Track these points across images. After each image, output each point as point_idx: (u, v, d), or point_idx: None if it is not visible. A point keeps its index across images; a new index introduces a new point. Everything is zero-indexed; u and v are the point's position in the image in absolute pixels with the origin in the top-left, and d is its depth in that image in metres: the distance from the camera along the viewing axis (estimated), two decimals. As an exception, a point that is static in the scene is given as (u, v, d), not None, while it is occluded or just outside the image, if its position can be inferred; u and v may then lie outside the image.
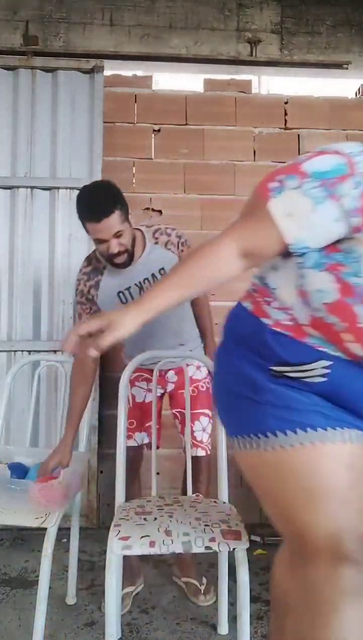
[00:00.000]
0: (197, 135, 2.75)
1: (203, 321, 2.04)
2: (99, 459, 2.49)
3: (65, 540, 2.00)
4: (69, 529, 1.86)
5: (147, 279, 1.79)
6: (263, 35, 3.00)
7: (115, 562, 1.35)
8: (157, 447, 1.80)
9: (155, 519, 1.40)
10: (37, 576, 1.50)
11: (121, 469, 1.61)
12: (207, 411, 1.93)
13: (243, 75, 2.92)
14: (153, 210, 2.73)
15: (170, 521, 1.38)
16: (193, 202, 2.72)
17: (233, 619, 1.67)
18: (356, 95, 2.99)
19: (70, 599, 1.85)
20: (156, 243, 1.81)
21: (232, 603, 1.68)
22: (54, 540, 1.51)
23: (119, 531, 1.33)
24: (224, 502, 1.59)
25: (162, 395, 1.99)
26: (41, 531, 1.52)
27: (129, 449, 1.81)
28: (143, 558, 2.10)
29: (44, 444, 2.48)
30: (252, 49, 2.99)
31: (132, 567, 1.90)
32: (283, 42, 3.02)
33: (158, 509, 1.48)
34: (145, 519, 1.40)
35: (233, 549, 1.31)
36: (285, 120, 2.83)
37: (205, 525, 1.35)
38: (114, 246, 1.67)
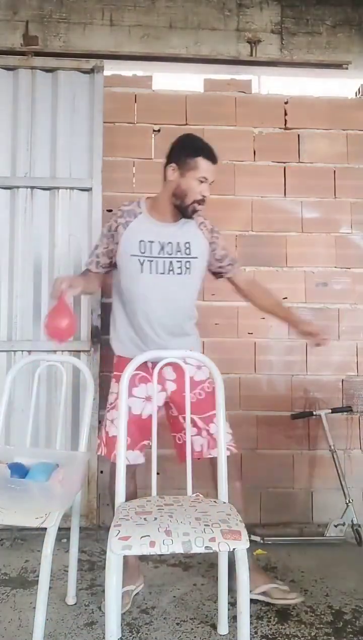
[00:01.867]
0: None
1: (279, 307, 2.09)
2: (99, 459, 2.49)
3: (65, 540, 2.01)
4: (69, 529, 1.86)
5: (171, 242, 1.87)
6: (263, 35, 3.00)
7: (115, 562, 1.35)
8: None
9: (155, 518, 1.40)
10: (37, 576, 1.50)
11: (121, 469, 1.61)
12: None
13: (243, 75, 2.92)
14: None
15: (170, 521, 1.38)
16: (194, 202, 2.72)
17: (233, 619, 1.67)
18: (356, 95, 2.99)
19: (70, 599, 1.85)
20: (192, 218, 1.92)
21: (232, 603, 1.69)
22: (54, 540, 1.51)
23: (119, 531, 1.33)
24: (224, 502, 1.59)
25: (164, 403, 1.93)
26: (41, 531, 1.52)
27: (113, 464, 1.77)
28: (142, 558, 2.10)
29: (44, 444, 2.48)
30: (252, 49, 2.99)
31: (131, 566, 1.90)
32: (283, 42, 3.02)
33: (158, 509, 1.48)
34: (145, 519, 1.40)
35: (233, 549, 1.31)
36: (285, 120, 2.83)
37: (205, 525, 1.35)
38: (208, 190, 1.84)
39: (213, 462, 1.86)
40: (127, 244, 1.86)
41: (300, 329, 2.00)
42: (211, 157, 1.84)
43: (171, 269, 1.86)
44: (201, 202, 1.85)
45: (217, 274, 2.04)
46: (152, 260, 1.85)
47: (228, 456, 1.80)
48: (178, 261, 1.87)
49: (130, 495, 1.74)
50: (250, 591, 1.83)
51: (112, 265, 1.96)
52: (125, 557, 1.87)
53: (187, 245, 1.88)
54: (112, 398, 1.93)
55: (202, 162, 1.82)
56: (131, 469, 1.83)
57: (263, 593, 1.85)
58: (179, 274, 1.87)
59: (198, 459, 1.83)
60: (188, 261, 1.88)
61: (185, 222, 1.91)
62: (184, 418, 1.84)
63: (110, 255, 1.93)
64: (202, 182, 1.82)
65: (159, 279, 1.85)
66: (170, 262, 1.86)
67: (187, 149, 1.85)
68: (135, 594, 1.89)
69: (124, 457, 1.63)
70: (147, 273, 1.85)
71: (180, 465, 1.80)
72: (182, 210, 1.86)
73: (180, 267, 1.87)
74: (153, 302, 1.85)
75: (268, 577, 1.92)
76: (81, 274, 2.05)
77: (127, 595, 1.82)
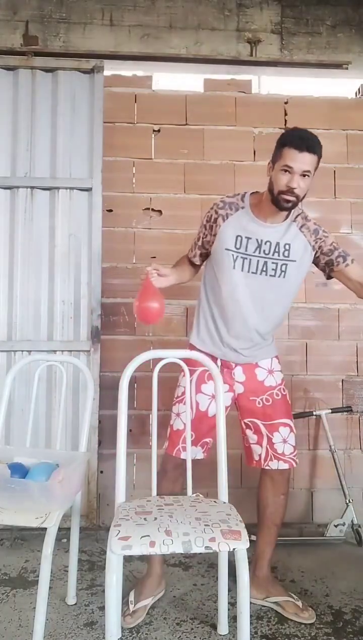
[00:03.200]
0: (197, 135, 2.75)
1: None
2: (99, 459, 2.49)
3: (65, 540, 2.01)
4: (69, 529, 1.86)
5: (269, 242, 1.77)
6: (263, 35, 3.00)
7: (115, 562, 1.35)
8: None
9: (155, 518, 1.40)
10: (37, 576, 1.51)
11: (121, 469, 1.61)
12: (286, 420, 1.87)
13: (243, 75, 2.92)
14: (153, 210, 2.73)
15: (170, 521, 1.38)
16: (193, 202, 2.72)
17: (233, 619, 1.67)
18: (356, 95, 2.99)
19: (70, 599, 1.85)
20: (294, 221, 1.82)
21: (232, 603, 1.69)
22: (54, 540, 1.51)
23: (119, 531, 1.33)
24: (224, 502, 1.58)
25: (228, 405, 1.88)
26: (41, 531, 1.52)
27: (174, 458, 1.82)
28: (142, 558, 2.10)
29: (44, 444, 2.48)
30: (252, 49, 2.99)
31: (155, 575, 1.87)
32: (283, 42, 3.02)
33: (158, 509, 1.48)
34: (145, 519, 1.40)
35: (233, 549, 1.31)
36: (285, 120, 2.83)
37: (205, 525, 1.35)
38: (295, 181, 1.68)
39: (269, 474, 1.88)
40: (223, 237, 1.79)
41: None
42: (298, 145, 1.66)
43: (265, 269, 1.78)
44: (288, 193, 1.69)
45: (328, 268, 1.87)
46: (246, 258, 1.77)
47: (284, 469, 1.86)
48: (273, 262, 1.77)
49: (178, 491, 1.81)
50: (264, 598, 1.86)
51: (208, 256, 1.90)
52: (149, 566, 1.89)
53: (287, 247, 1.78)
54: (179, 391, 1.88)
55: (287, 151, 1.67)
56: (173, 463, 1.84)
57: (276, 603, 1.84)
58: (272, 275, 1.78)
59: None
60: (285, 264, 1.78)
61: (289, 224, 1.80)
62: (246, 422, 1.90)
63: (206, 246, 1.87)
64: (286, 171, 1.67)
65: (250, 279, 1.78)
66: (265, 263, 1.77)
67: (278, 142, 1.73)
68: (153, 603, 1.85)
69: (124, 457, 1.63)
70: (239, 270, 1.77)
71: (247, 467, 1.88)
72: (275, 204, 1.73)
73: (274, 269, 1.78)
74: (241, 301, 1.79)
75: (285, 590, 1.89)
76: (175, 264, 1.98)
77: (143, 609, 1.78)
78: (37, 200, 2.59)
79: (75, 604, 1.85)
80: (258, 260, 1.78)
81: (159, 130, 2.77)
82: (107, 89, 2.67)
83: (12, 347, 2.50)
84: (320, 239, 1.83)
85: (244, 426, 1.90)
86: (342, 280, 1.88)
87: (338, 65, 2.95)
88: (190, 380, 1.78)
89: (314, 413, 2.57)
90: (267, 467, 1.86)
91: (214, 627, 1.72)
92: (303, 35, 3.03)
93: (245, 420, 1.90)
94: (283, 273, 1.78)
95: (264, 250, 1.77)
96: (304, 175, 1.69)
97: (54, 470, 1.68)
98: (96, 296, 2.54)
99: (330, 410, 2.56)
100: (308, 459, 2.70)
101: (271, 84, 3.04)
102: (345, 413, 2.67)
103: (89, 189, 2.58)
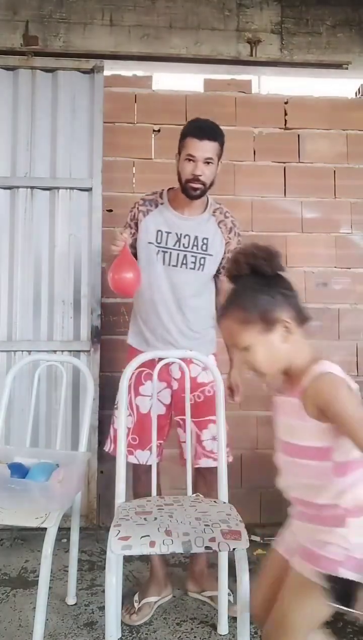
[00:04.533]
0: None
1: None
2: (99, 459, 2.49)
3: (65, 540, 2.00)
4: (69, 529, 1.86)
5: (188, 235, 1.83)
6: (263, 35, 3.00)
7: (115, 562, 1.35)
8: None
9: (155, 519, 1.40)
10: (37, 576, 1.50)
11: (121, 469, 1.61)
12: (215, 417, 1.81)
13: (243, 75, 2.92)
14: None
15: (170, 521, 1.38)
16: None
17: (233, 619, 1.67)
18: (356, 95, 2.99)
19: (70, 599, 1.85)
20: (213, 215, 1.88)
21: (232, 603, 1.69)
22: (54, 540, 1.51)
23: (119, 531, 1.33)
24: (224, 502, 1.58)
25: (170, 403, 1.89)
26: (41, 531, 1.52)
27: (141, 465, 1.80)
28: (143, 558, 2.10)
29: (44, 444, 2.48)
30: (252, 49, 2.99)
31: (158, 576, 1.87)
32: (283, 42, 3.02)
33: (158, 509, 1.48)
34: (145, 519, 1.40)
35: (233, 549, 1.31)
36: (285, 120, 2.83)
37: (205, 525, 1.35)
38: (199, 169, 1.75)
39: (201, 472, 1.85)
40: (145, 232, 1.85)
41: (233, 374, 1.95)
42: (197, 134, 1.74)
43: (184, 262, 1.83)
44: (194, 181, 1.76)
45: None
46: (166, 251, 1.83)
47: (212, 467, 1.76)
48: (192, 256, 1.83)
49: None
50: (200, 592, 1.86)
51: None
52: (152, 567, 1.88)
53: (205, 241, 1.84)
54: (117, 397, 1.87)
55: (188, 141, 1.75)
56: (143, 468, 1.81)
57: (211, 598, 1.84)
58: (191, 268, 1.84)
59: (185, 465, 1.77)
60: (204, 257, 1.84)
61: (207, 218, 1.87)
62: (179, 420, 1.84)
63: (134, 244, 1.88)
64: (190, 160, 1.75)
65: (171, 272, 1.83)
66: (184, 256, 1.83)
67: (181, 134, 1.81)
68: (160, 604, 1.85)
69: (124, 457, 1.63)
70: (160, 264, 1.83)
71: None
72: (184, 193, 1.80)
73: (194, 262, 1.83)
74: (164, 294, 1.82)
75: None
76: None
77: (148, 606, 1.78)
78: (37, 200, 2.59)
79: (75, 604, 1.85)
80: (178, 254, 1.83)
81: (159, 130, 2.77)
82: (107, 89, 2.67)
83: (12, 347, 2.50)
84: (231, 237, 1.89)
85: (176, 424, 1.88)
86: (218, 292, 1.93)
87: (338, 65, 2.95)
88: (129, 385, 1.75)
89: (314, 413, 2.56)
90: (197, 465, 1.83)
91: (214, 627, 1.72)
92: (303, 35, 3.02)
93: (177, 418, 1.87)
94: (202, 267, 1.85)
95: (183, 244, 1.83)
96: (207, 163, 1.76)
97: (54, 470, 1.67)
98: (96, 296, 2.54)
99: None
100: (308, 459, 2.69)
101: (271, 84, 3.04)
102: (345, 413, 2.66)
103: (89, 189, 2.58)
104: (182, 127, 1.86)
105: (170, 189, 1.91)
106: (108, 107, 2.65)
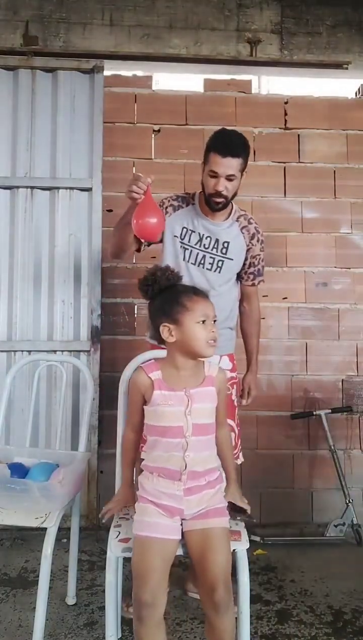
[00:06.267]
0: (197, 135, 2.75)
1: (252, 340, 2.06)
2: (99, 459, 2.49)
3: (65, 540, 2.00)
4: (69, 529, 1.86)
5: (209, 237, 1.87)
6: (263, 35, 3.00)
7: (115, 563, 1.35)
8: None
9: (155, 519, 1.40)
10: (37, 576, 1.50)
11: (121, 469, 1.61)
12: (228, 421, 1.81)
13: (243, 75, 2.92)
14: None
15: (170, 521, 1.37)
16: (193, 202, 2.72)
17: (233, 619, 1.67)
18: (356, 95, 2.99)
19: (70, 599, 1.85)
20: (237, 221, 1.92)
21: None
22: (54, 540, 1.51)
23: (119, 532, 1.33)
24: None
25: None
26: (41, 531, 1.52)
27: None
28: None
29: (44, 444, 2.49)
30: (252, 49, 2.99)
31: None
32: (283, 42, 3.02)
33: (158, 509, 1.47)
34: (145, 519, 1.40)
35: (233, 549, 1.31)
36: (285, 120, 2.83)
37: (205, 525, 1.35)
38: (221, 185, 1.78)
39: None
40: (172, 225, 1.88)
41: (247, 378, 2.05)
42: (221, 150, 1.76)
43: (202, 262, 1.87)
44: (216, 195, 1.80)
45: (238, 277, 1.98)
46: (187, 249, 1.87)
47: None
48: (211, 257, 1.87)
49: None
50: (189, 591, 1.89)
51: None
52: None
53: (225, 244, 1.87)
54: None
55: (212, 157, 1.78)
56: None
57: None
58: (208, 269, 1.87)
59: None
60: (222, 260, 1.87)
61: (230, 223, 1.90)
62: None
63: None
64: (212, 176, 1.78)
65: (190, 269, 1.86)
66: (203, 256, 1.87)
67: (206, 145, 1.83)
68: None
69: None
70: (181, 259, 1.87)
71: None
72: (207, 205, 1.85)
73: (211, 264, 1.87)
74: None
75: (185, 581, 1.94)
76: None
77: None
78: (37, 200, 2.59)
79: (75, 604, 1.85)
80: (198, 253, 1.87)
81: (159, 130, 2.77)
82: (107, 89, 2.67)
83: (12, 347, 2.50)
84: (253, 243, 1.92)
85: None
86: (242, 295, 2.01)
87: (338, 65, 2.95)
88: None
89: (314, 413, 2.57)
90: None
91: (214, 627, 1.72)
92: (303, 35, 3.02)
93: None
94: (219, 269, 1.88)
95: (204, 245, 1.87)
96: (229, 179, 1.78)
97: (54, 470, 1.67)
98: (96, 296, 2.54)
99: (330, 410, 2.56)
100: (308, 459, 2.70)
101: (271, 84, 3.04)
102: (345, 413, 2.67)
103: (89, 189, 2.59)
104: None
105: (201, 192, 1.92)
106: (108, 107, 2.66)
